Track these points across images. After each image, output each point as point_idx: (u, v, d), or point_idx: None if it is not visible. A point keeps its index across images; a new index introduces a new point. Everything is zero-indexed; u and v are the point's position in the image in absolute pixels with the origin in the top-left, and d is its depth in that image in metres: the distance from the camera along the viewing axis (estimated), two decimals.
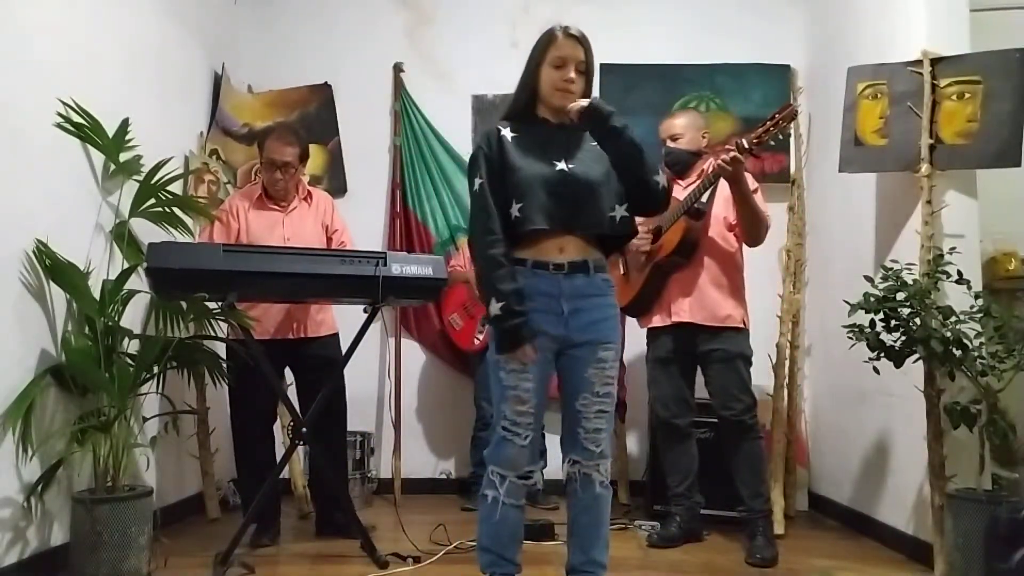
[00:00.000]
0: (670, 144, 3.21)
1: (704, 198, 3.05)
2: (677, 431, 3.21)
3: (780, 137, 2.90)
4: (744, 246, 3.19)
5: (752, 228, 3.01)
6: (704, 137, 3.27)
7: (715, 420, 3.25)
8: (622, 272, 3.32)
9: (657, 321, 3.21)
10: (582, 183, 2.12)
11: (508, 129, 2.17)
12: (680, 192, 3.20)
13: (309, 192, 3.34)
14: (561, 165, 2.13)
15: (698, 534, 3.23)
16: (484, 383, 3.85)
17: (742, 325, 3.13)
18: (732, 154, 2.82)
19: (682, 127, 3.21)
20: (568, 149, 2.16)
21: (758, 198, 3.04)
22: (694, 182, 3.19)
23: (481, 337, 3.86)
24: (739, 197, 2.94)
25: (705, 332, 3.10)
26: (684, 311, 3.11)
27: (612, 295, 2.19)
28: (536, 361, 2.08)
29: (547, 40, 2.17)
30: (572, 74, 2.14)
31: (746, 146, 2.83)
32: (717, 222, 3.13)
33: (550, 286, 2.11)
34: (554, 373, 2.18)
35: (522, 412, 2.10)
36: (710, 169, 3.01)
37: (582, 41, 2.16)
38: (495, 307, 2.02)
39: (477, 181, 2.13)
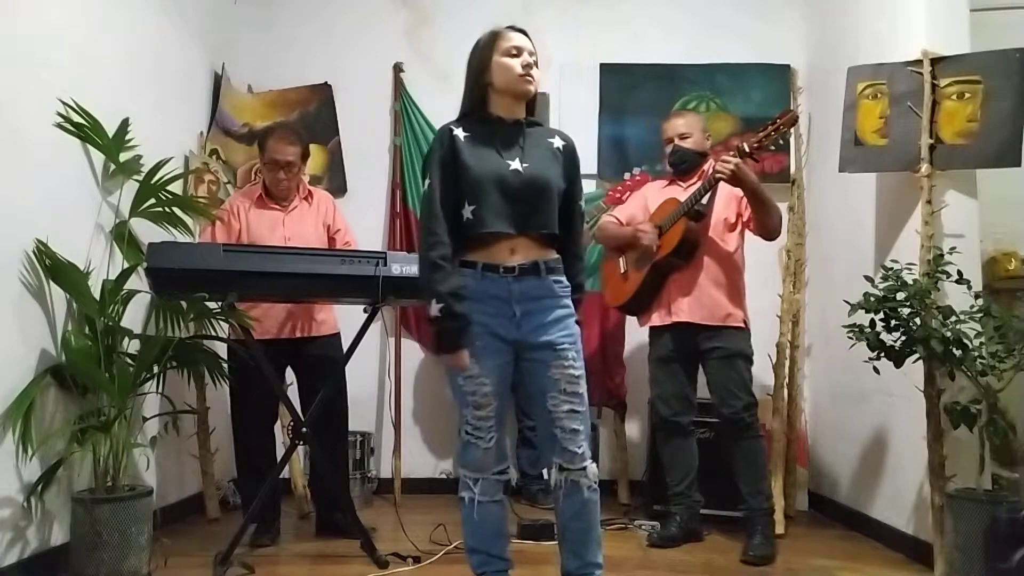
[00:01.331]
0: (678, 143, 3.20)
1: (704, 200, 3.05)
2: (678, 429, 3.21)
3: (781, 142, 2.92)
4: (742, 248, 3.20)
5: (768, 223, 3.02)
6: (708, 139, 3.29)
7: (715, 420, 3.26)
8: (621, 271, 3.33)
9: (656, 320, 3.22)
10: (537, 181, 2.11)
11: (460, 129, 2.16)
12: (681, 193, 3.21)
13: (310, 192, 3.34)
14: (515, 164, 2.12)
15: (698, 534, 3.23)
16: None
17: (743, 325, 3.13)
18: (735, 161, 2.83)
19: (689, 127, 3.22)
20: (522, 147, 2.15)
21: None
22: (695, 183, 3.20)
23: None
24: (749, 195, 2.95)
25: (705, 331, 3.10)
26: (683, 311, 3.12)
27: (566, 296, 2.17)
28: (489, 366, 2.07)
29: (492, 36, 2.19)
30: (529, 60, 2.15)
31: (747, 150, 2.86)
32: (717, 223, 3.14)
33: (500, 289, 2.09)
34: (511, 375, 2.15)
35: (482, 416, 2.09)
36: (710, 171, 3.01)
37: (526, 34, 2.19)
38: (434, 308, 2.02)
39: (427, 182, 2.14)
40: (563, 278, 2.18)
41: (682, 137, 3.20)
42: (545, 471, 2.16)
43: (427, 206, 2.12)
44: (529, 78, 2.14)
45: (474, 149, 2.12)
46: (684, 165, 3.22)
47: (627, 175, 4.18)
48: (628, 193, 4.11)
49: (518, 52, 2.15)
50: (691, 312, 3.11)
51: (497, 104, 2.19)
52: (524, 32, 2.19)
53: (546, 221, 2.12)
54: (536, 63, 2.17)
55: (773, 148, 3.02)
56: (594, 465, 2.15)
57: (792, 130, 3.05)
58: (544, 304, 2.13)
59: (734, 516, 3.21)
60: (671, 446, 3.25)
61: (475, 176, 2.09)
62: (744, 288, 3.19)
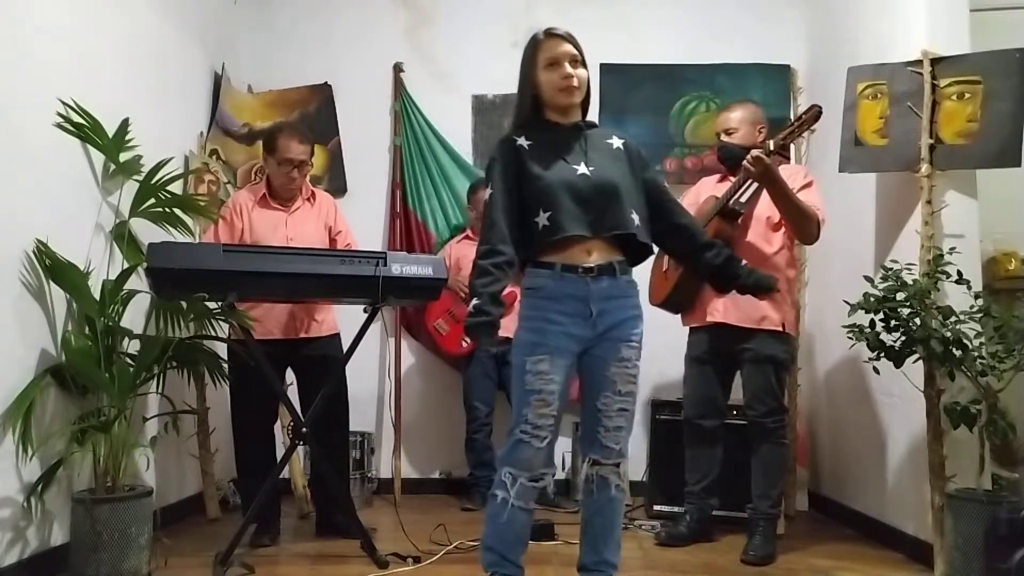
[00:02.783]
0: (724, 138, 3.17)
1: (744, 198, 3.00)
2: (701, 431, 3.19)
3: (803, 140, 2.88)
4: (790, 248, 3.12)
5: (798, 225, 2.96)
6: (760, 132, 3.17)
7: (737, 423, 3.22)
8: (664, 269, 3.27)
9: (695, 320, 3.19)
10: (605, 185, 2.14)
11: (523, 138, 2.18)
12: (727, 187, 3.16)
13: (312, 193, 3.34)
14: (581, 169, 2.14)
15: (708, 535, 3.22)
16: (474, 385, 3.86)
17: (780, 328, 3.05)
18: (767, 161, 2.78)
19: (737, 121, 3.16)
20: (585, 151, 2.18)
21: (811, 192, 3.00)
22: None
23: (468, 340, 3.86)
24: (776, 196, 2.90)
25: (742, 333, 3.06)
26: (719, 311, 3.08)
27: (636, 296, 2.22)
28: (560, 365, 2.10)
29: (532, 46, 2.19)
30: (569, 69, 2.15)
31: (772, 148, 2.81)
32: (759, 222, 3.07)
33: (578, 289, 2.12)
34: (575, 377, 2.19)
35: (544, 415, 2.10)
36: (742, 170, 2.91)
37: (567, 37, 2.18)
38: (473, 303, 2.07)
39: (488, 191, 2.17)
40: (633, 279, 2.22)
41: (728, 132, 3.15)
42: (583, 467, 2.19)
43: (487, 213, 2.16)
44: (570, 88, 2.17)
45: (539, 157, 2.15)
46: (731, 161, 3.12)
47: None
48: None
49: (556, 62, 2.16)
50: (727, 313, 3.06)
51: (551, 112, 2.22)
52: (563, 35, 2.18)
53: (619, 222, 2.14)
54: (580, 62, 2.18)
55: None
56: (626, 465, 2.17)
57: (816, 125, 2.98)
58: (619, 303, 2.17)
59: (742, 517, 3.20)
60: (692, 448, 3.23)
61: (546, 183, 2.12)
62: (790, 290, 3.11)
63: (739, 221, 3.05)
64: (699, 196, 3.29)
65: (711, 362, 3.16)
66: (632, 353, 2.17)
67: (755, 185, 2.95)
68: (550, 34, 2.18)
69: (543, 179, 2.12)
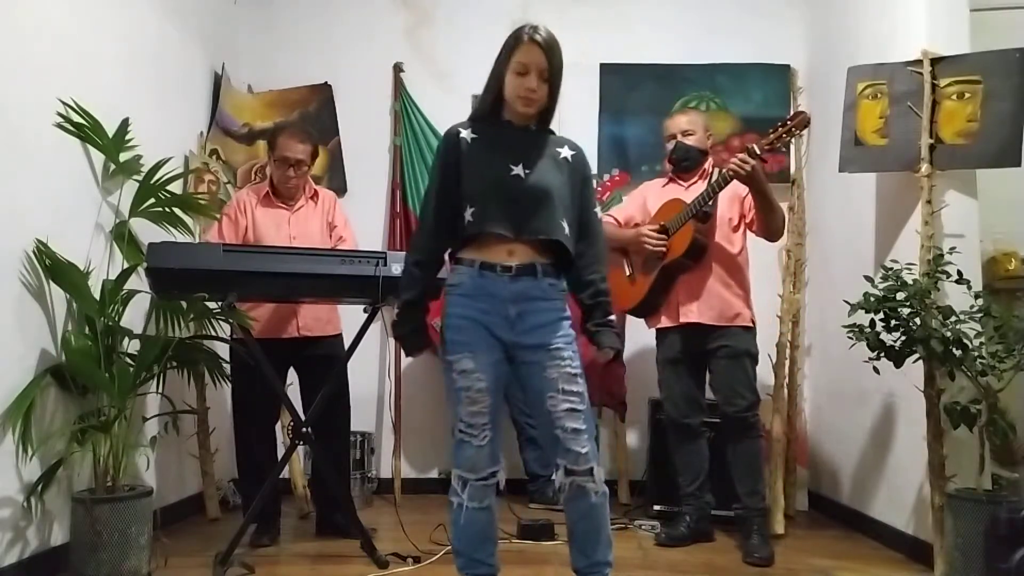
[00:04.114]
0: (682, 139, 3.20)
1: (710, 201, 3.04)
2: (688, 430, 3.21)
3: (790, 143, 2.91)
4: (746, 248, 3.20)
5: (772, 224, 3.02)
6: (709, 138, 3.28)
7: (717, 420, 3.24)
8: (627, 274, 3.31)
9: (665, 321, 3.21)
10: (538, 189, 2.13)
11: (469, 130, 2.19)
12: (682, 192, 3.20)
13: (316, 191, 3.34)
14: (517, 170, 2.13)
15: (708, 534, 3.23)
16: None
17: (751, 324, 3.14)
18: (752, 163, 2.82)
19: (692, 124, 3.22)
20: (527, 154, 2.16)
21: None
22: (695, 182, 3.20)
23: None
24: (758, 197, 2.94)
25: (714, 331, 3.10)
26: (693, 312, 3.11)
27: (560, 299, 2.17)
28: (483, 362, 2.09)
29: (512, 44, 2.15)
30: (533, 83, 2.13)
31: (757, 151, 2.84)
32: (722, 224, 3.14)
33: (496, 287, 2.11)
34: (506, 374, 2.16)
35: (476, 412, 2.08)
36: (726, 171, 2.93)
37: (546, 48, 2.11)
38: (396, 313, 2.19)
39: (429, 184, 2.23)
40: (558, 281, 2.18)
41: (685, 134, 3.20)
42: (557, 476, 2.13)
43: (421, 208, 2.25)
44: (529, 100, 2.14)
45: (479, 152, 2.16)
46: (687, 163, 3.21)
47: (606, 176, 4.18)
48: (607, 193, 4.12)
49: (525, 71, 2.13)
50: (701, 313, 3.10)
51: (508, 111, 2.21)
52: (542, 45, 2.11)
53: (545, 227, 2.12)
54: (548, 77, 2.13)
55: (784, 149, 3.01)
56: (600, 469, 2.13)
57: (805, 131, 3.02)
58: (538, 305, 2.14)
59: (729, 516, 3.22)
60: (682, 448, 3.24)
61: (476, 180, 2.13)
62: (749, 287, 3.19)
63: (709, 223, 3.09)
64: (645, 199, 3.33)
65: (684, 361, 3.18)
66: (566, 352, 2.11)
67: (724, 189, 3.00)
68: (532, 39, 2.12)
69: (475, 175, 2.13)
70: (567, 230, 2.14)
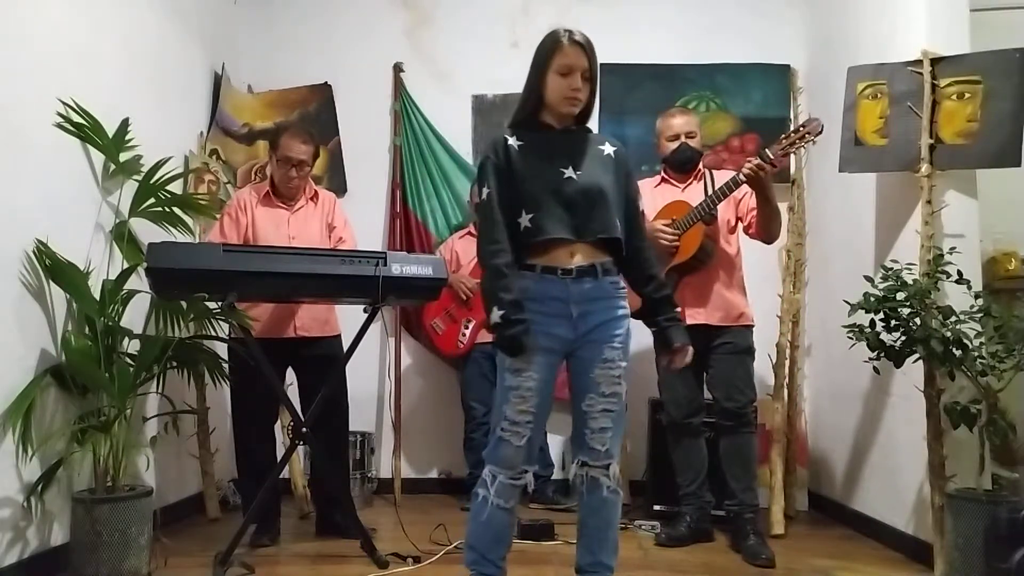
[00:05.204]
0: (686, 141, 3.20)
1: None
2: (689, 430, 3.21)
3: (804, 150, 2.93)
4: (741, 249, 3.24)
5: (773, 227, 3.05)
6: (699, 140, 3.31)
7: (713, 419, 3.23)
8: None
9: None
10: (592, 190, 2.14)
11: (514, 138, 2.18)
12: (678, 193, 3.21)
13: (316, 192, 3.34)
14: (569, 172, 2.14)
15: (708, 534, 3.23)
16: (471, 384, 3.87)
17: (752, 322, 3.20)
18: (767, 167, 2.84)
19: (694, 125, 3.24)
20: (574, 156, 2.18)
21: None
22: (691, 183, 3.21)
23: (465, 340, 3.87)
24: (763, 200, 2.96)
25: (718, 330, 3.12)
26: (701, 314, 3.13)
27: (621, 298, 2.20)
28: (539, 362, 2.09)
29: (553, 47, 2.17)
30: (579, 82, 2.15)
31: (770, 157, 2.86)
32: (722, 226, 3.17)
33: (559, 290, 2.12)
34: (556, 377, 2.17)
35: (522, 411, 2.10)
36: (740, 175, 2.93)
37: (586, 48, 2.17)
38: (496, 315, 2.04)
39: (484, 191, 2.16)
40: (618, 279, 2.20)
41: (689, 136, 3.21)
42: (572, 469, 2.18)
43: (487, 213, 2.14)
44: (575, 100, 2.17)
45: (528, 159, 2.15)
46: (689, 164, 3.22)
47: None
48: None
49: (569, 71, 2.15)
50: (709, 315, 3.13)
51: (548, 114, 2.22)
52: (584, 46, 2.16)
53: (603, 226, 2.14)
54: (589, 77, 2.17)
55: (795, 154, 3.01)
56: (616, 466, 2.16)
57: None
58: (600, 305, 2.15)
59: (722, 515, 3.21)
60: (682, 448, 3.24)
61: (531, 186, 2.12)
62: (745, 287, 3.25)
63: (714, 225, 3.12)
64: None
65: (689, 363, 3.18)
66: (615, 354, 2.15)
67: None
68: (573, 41, 2.16)
69: (528, 181, 2.12)
70: (621, 227, 2.17)
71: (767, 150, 2.88)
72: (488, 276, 2.10)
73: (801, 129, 2.87)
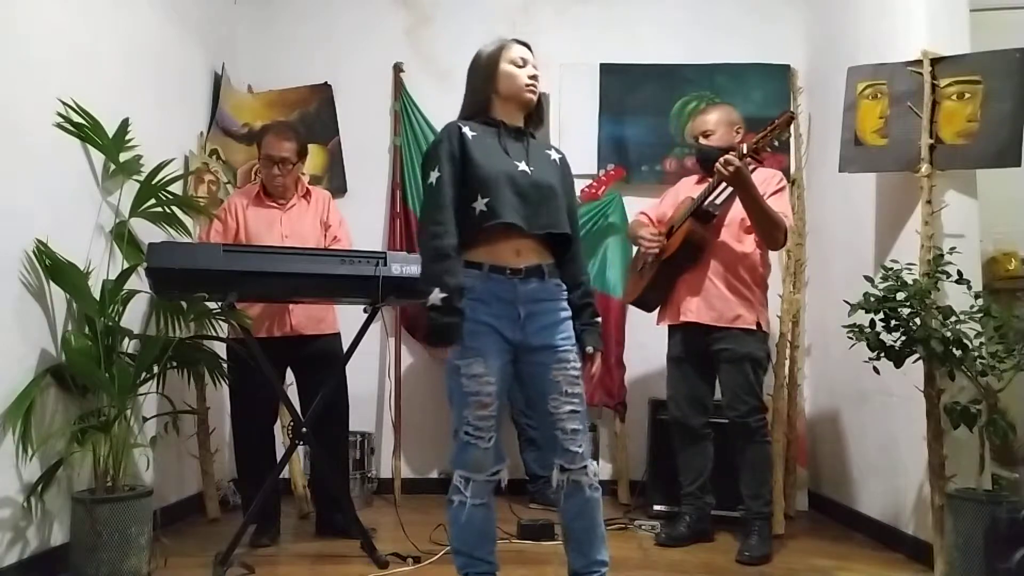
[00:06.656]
0: (701, 141, 3.20)
1: (719, 200, 3.03)
2: (689, 431, 3.20)
3: (776, 143, 2.92)
4: (765, 250, 3.15)
5: (764, 231, 2.99)
6: (738, 132, 3.20)
7: (722, 421, 3.22)
8: (639, 267, 3.34)
9: (669, 319, 3.23)
10: (543, 185, 2.17)
11: (467, 127, 2.19)
12: (700, 189, 3.18)
13: (308, 190, 3.35)
14: (522, 166, 2.17)
15: (708, 534, 3.23)
16: None
17: (755, 327, 3.08)
18: (736, 163, 2.80)
19: (714, 123, 3.19)
20: (528, 153, 2.21)
21: (781, 199, 3.05)
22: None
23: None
24: (745, 200, 2.92)
25: (716, 332, 3.08)
26: (692, 311, 3.11)
27: (564, 299, 2.22)
28: (494, 366, 2.09)
29: (499, 46, 2.24)
30: (534, 71, 2.23)
31: (744, 151, 2.84)
32: (733, 224, 3.10)
33: (506, 291, 2.12)
34: (511, 378, 2.18)
35: (484, 416, 2.09)
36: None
37: (530, 48, 2.26)
38: (437, 297, 2.01)
39: (433, 175, 2.13)
40: (560, 282, 2.23)
41: (705, 135, 3.19)
42: (554, 474, 2.16)
43: (434, 197, 2.11)
44: (533, 88, 2.23)
45: (483, 147, 2.17)
46: (707, 163, 3.14)
47: (601, 170, 4.17)
48: (603, 188, 4.11)
49: (524, 63, 2.22)
50: (699, 313, 3.10)
51: (500, 110, 2.24)
52: (528, 46, 2.26)
53: (553, 221, 2.17)
54: (537, 77, 2.25)
55: (770, 149, 3.00)
56: (594, 464, 2.17)
57: (792, 130, 3.03)
58: (546, 306, 2.17)
59: (736, 516, 3.22)
60: (683, 448, 3.24)
61: (488, 171, 2.12)
62: (763, 290, 3.15)
63: (713, 223, 3.09)
64: (678, 196, 3.33)
65: (688, 360, 3.18)
66: (570, 355, 2.15)
67: (730, 188, 2.97)
68: (515, 40, 2.25)
69: (484, 167, 2.12)
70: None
71: (742, 145, 2.88)
72: (430, 257, 2.07)
73: (775, 121, 2.81)
